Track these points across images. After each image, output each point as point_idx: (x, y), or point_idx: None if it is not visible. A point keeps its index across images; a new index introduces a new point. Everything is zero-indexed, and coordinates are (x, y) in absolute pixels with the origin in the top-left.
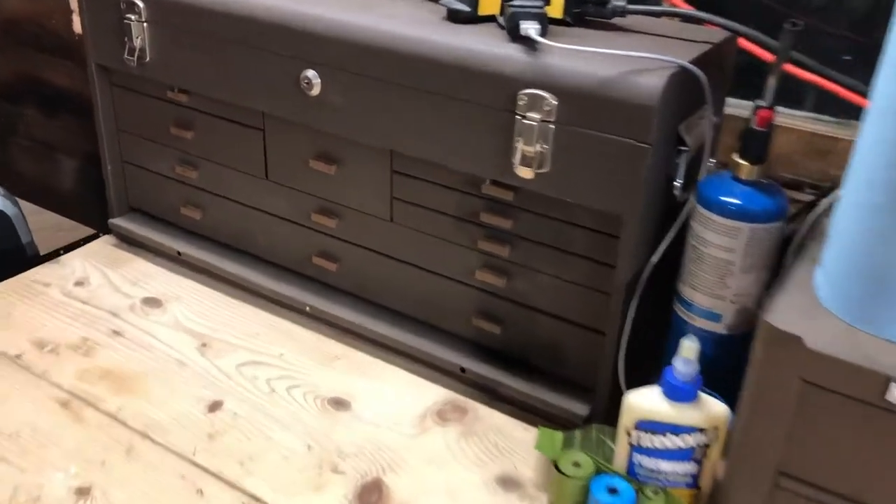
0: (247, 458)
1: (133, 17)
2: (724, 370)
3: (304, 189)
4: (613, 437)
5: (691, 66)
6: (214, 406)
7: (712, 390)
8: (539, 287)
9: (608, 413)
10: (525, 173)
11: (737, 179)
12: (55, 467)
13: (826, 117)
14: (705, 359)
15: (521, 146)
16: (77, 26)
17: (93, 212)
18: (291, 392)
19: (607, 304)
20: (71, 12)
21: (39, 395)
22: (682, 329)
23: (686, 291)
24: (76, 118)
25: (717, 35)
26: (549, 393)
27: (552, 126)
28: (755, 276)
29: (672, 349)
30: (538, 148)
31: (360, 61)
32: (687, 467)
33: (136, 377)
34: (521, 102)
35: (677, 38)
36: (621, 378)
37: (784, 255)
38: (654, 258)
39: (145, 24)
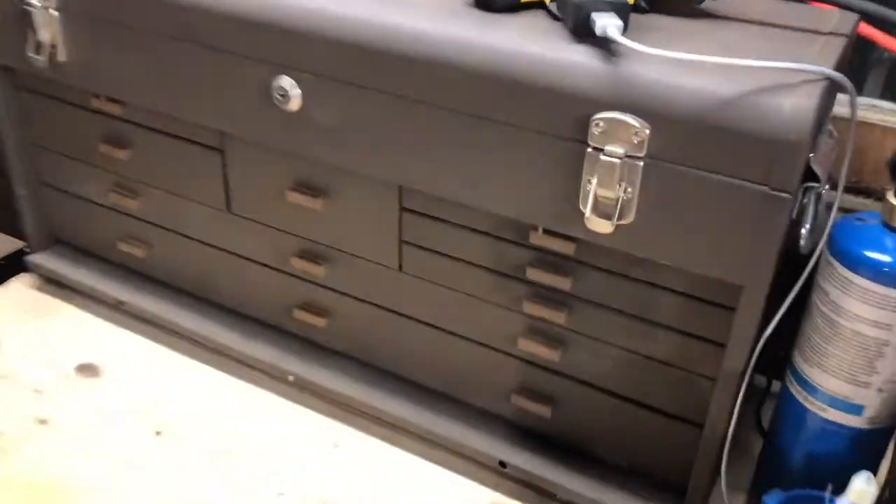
0: None
1: (37, 2)
2: (854, 467)
3: (281, 227)
4: None
5: (839, 77)
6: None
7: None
8: (607, 362)
9: None
10: (600, 226)
11: (891, 228)
12: None
13: None
14: (834, 457)
15: (594, 189)
16: None
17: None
18: (280, 501)
19: (702, 391)
20: None
21: None
22: (801, 417)
23: (811, 373)
24: None
25: (832, 19)
26: (616, 493)
27: (641, 163)
28: None
29: (786, 440)
30: (620, 193)
31: (355, 67)
32: None
33: (71, 492)
34: (595, 130)
35: (786, 27)
36: (723, 484)
37: None
38: (767, 331)
39: (55, 14)
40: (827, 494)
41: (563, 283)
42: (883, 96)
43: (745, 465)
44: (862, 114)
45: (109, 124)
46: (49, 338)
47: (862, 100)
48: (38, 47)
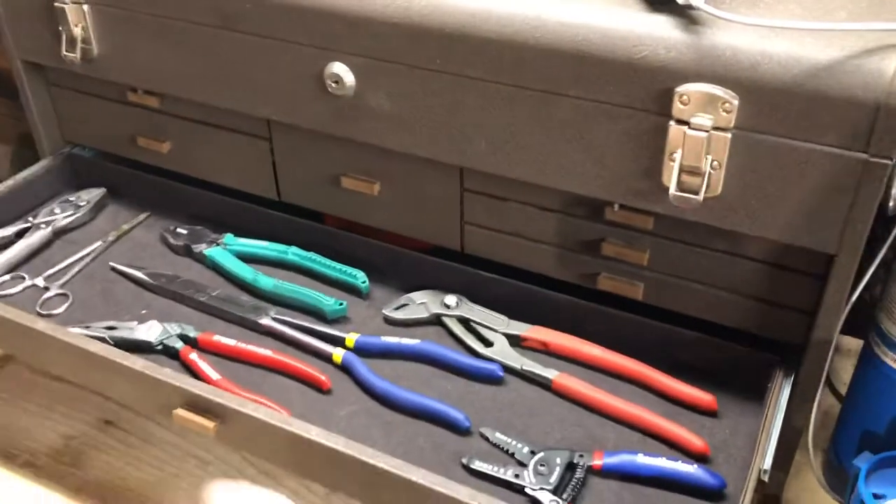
0: None
1: None
2: None
3: (335, 212)
4: None
5: None
6: None
7: None
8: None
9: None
10: (684, 201)
11: None
12: None
13: None
14: None
15: (678, 163)
16: None
17: None
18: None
19: (783, 362)
20: None
21: None
22: (889, 378)
23: None
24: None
25: None
26: None
27: (729, 135)
28: None
29: (871, 403)
30: (707, 166)
31: (414, 48)
32: None
33: (145, 491)
34: (679, 103)
35: None
36: (812, 460)
37: None
38: (854, 296)
39: (86, 7)
40: None
41: (640, 258)
42: None
43: (822, 427)
44: None
45: (148, 117)
46: None
47: None
48: (71, 43)
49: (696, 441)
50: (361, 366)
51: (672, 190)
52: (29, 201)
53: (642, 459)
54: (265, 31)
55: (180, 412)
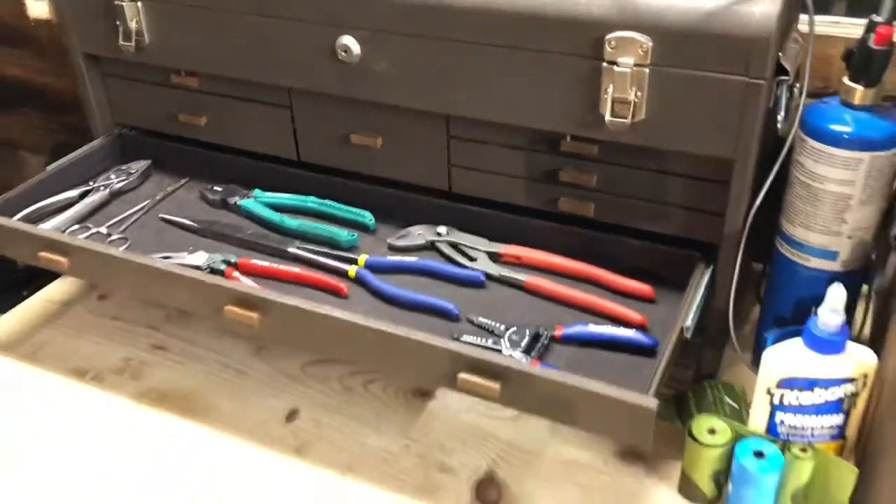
0: (346, 468)
1: None
2: None
3: (345, 167)
4: (731, 394)
5: None
6: (292, 415)
7: None
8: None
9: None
10: (618, 125)
11: (848, 105)
12: None
13: None
14: (818, 299)
15: (611, 95)
16: (32, 11)
17: None
18: (369, 388)
19: (705, 257)
20: None
21: (100, 434)
22: (791, 270)
23: (795, 231)
24: (37, 112)
25: None
26: None
27: (647, 70)
28: (874, 208)
29: (780, 292)
30: (632, 96)
31: (408, 21)
32: (834, 419)
33: (195, 395)
34: (609, 47)
35: None
36: (731, 331)
37: None
38: (758, 201)
39: (139, 4)
40: (812, 315)
41: (589, 181)
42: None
43: (751, 328)
44: (827, 29)
45: (188, 97)
46: None
47: (827, 17)
48: (127, 35)
49: (635, 315)
50: (372, 277)
51: (607, 117)
52: (87, 172)
53: (592, 328)
54: (287, 13)
55: (230, 308)
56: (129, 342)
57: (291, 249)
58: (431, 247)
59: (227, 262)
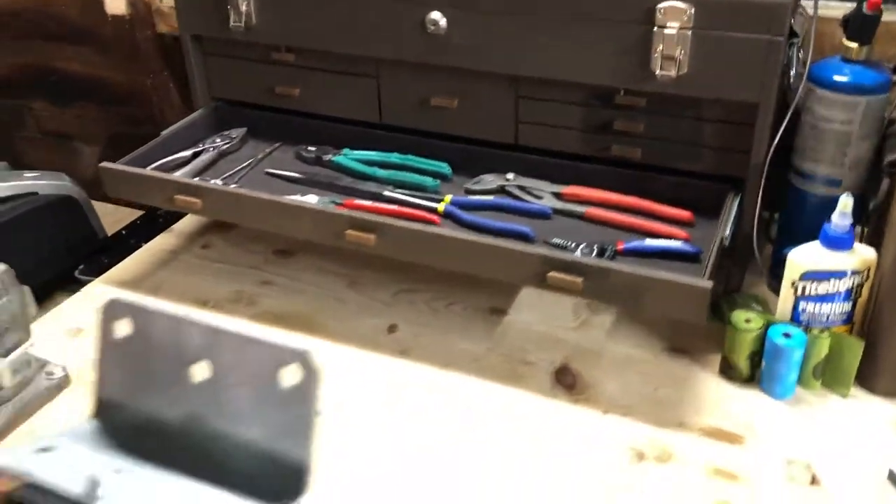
0: (444, 364)
1: None
2: None
3: (424, 128)
4: (755, 300)
5: None
6: (392, 329)
7: None
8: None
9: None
10: (665, 78)
11: (847, 60)
12: None
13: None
14: (824, 219)
15: (660, 54)
16: (110, 8)
17: None
18: (451, 309)
19: (733, 188)
20: None
21: None
22: (802, 198)
23: (806, 165)
24: (95, 104)
25: None
26: None
27: (689, 32)
28: (869, 143)
29: (794, 218)
30: (677, 54)
31: None
32: (844, 307)
33: (306, 317)
34: (659, 15)
35: None
36: (755, 248)
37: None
38: (776, 140)
39: None
40: (826, 223)
41: (638, 129)
42: None
43: (764, 262)
44: (826, 12)
45: (285, 71)
46: (247, 238)
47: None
48: (238, 16)
49: (681, 232)
50: (459, 211)
51: (658, 72)
52: (191, 138)
53: (648, 242)
54: None
55: (351, 232)
56: (237, 280)
57: (386, 193)
58: (502, 190)
59: (336, 203)
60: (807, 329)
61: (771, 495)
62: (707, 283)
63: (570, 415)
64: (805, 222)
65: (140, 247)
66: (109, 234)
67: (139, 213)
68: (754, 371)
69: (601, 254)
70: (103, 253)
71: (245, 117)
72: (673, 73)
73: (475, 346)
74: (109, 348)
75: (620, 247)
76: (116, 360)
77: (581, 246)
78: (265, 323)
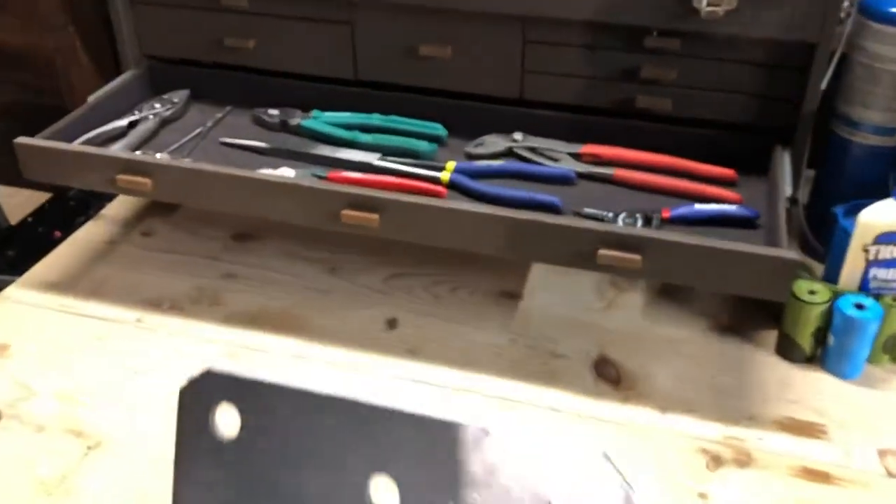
0: (464, 363)
1: None
2: (887, 181)
3: (411, 83)
4: (803, 268)
5: None
6: (392, 323)
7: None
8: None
9: None
10: (712, 15)
11: None
12: None
13: None
14: (878, 175)
15: None
16: None
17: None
18: (457, 294)
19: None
20: None
21: (202, 356)
22: (848, 150)
23: (855, 111)
24: None
25: None
26: None
27: None
28: None
29: (838, 172)
30: None
31: None
32: None
33: (286, 314)
34: None
35: None
36: (800, 205)
37: None
38: (824, 85)
39: None
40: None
41: (670, 76)
42: None
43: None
44: None
45: (235, 20)
46: (196, 220)
47: None
48: None
49: (731, 194)
50: (469, 180)
51: (705, 7)
52: (124, 105)
53: (698, 206)
54: None
55: (348, 213)
56: (193, 273)
57: (377, 162)
58: (510, 153)
59: (318, 177)
60: (877, 298)
61: (875, 499)
62: (793, 255)
63: (623, 416)
64: (850, 177)
65: (54, 236)
66: (13, 222)
67: (45, 195)
68: (818, 347)
69: (647, 223)
70: (7, 245)
71: (187, 77)
72: (721, 8)
73: (494, 337)
74: (200, 463)
75: (667, 214)
76: (215, 483)
77: (621, 216)
78: (239, 325)
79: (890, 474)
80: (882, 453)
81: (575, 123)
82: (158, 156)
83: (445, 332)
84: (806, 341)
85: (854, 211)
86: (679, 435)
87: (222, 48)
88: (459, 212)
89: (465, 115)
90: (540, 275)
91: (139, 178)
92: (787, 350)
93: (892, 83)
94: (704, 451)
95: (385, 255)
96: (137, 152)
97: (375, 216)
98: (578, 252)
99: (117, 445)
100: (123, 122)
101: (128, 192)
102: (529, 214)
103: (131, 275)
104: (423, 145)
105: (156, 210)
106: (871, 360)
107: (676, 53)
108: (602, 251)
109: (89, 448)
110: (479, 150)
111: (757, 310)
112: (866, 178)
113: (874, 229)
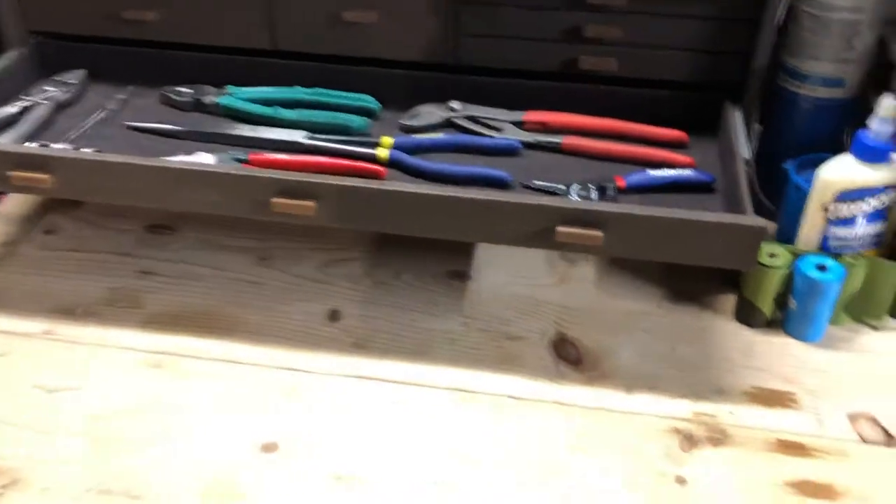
0: (415, 354)
1: None
2: (837, 135)
3: (334, 51)
4: None
5: None
6: (334, 315)
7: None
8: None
9: None
10: None
11: None
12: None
13: None
14: (825, 129)
15: None
16: None
17: None
18: (402, 278)
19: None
20: None
21: (123, 367)
22: (794, 104)
23: (802, 64)
24: None
25: None
26: None
27: None
28: (878, 32)
29: (785, 127)
30: None
31: None
32: (878, 227)
33: (213, 312)
34: None
35: None
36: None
37: None
38: (774, 36)
39: None
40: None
41: (615, 34)
42: None
43: None
44: None
45: None
46: (102, 213)
47: None
48: None
49: (684, 158)
50: (408, 157)
51: None
52: (10, 89)
53: (653, 173)
54: None
55: (278, 200)
56: (106, 273)
57: (303, 141)
58: (448, 124)
59: (239, 160)
60: (837, 258)
61: (853, 467)
62: (760, 222)
63: (589, 399)
64: (798, 132)
65: None
66: None
67: None
68: (777, 312)
69: (602, 193)
70: None
71: (82, 55)
72: None
73: (445, 323)
74: None
75: (622, 183)
76: None
77: (574, 187)
78: (161, 329)
79: (863, 440)
80: (853, 418)
81: (516, 89)
82: (56, 146)
83: (393, 321)
84: (767, 306)
85: (805, 166)
86: (648, 416)
87: (120, 21)
88: (405, 194)
89: (397, 84)
90: (487, 251)
91: (36, 175)
92: (748, 315)
93: (841, 33)
94: (676, 431)
95: (318, 238)
96: (31, 143)
97: (311, 203)
98: (536, 231)
99: (38, 479)
100: (12, 108)
101: (23, 190)
102: (483, 194)
103: (35, 280)
104: (354, 120)
105: (58, 205)
106: (832, 320)
107: (621, 10)
108: (561, 228)
109: (4, 487)
110: (415, 123)
111: (710, 274)
112: (815, 132)
113: (833, 186)
